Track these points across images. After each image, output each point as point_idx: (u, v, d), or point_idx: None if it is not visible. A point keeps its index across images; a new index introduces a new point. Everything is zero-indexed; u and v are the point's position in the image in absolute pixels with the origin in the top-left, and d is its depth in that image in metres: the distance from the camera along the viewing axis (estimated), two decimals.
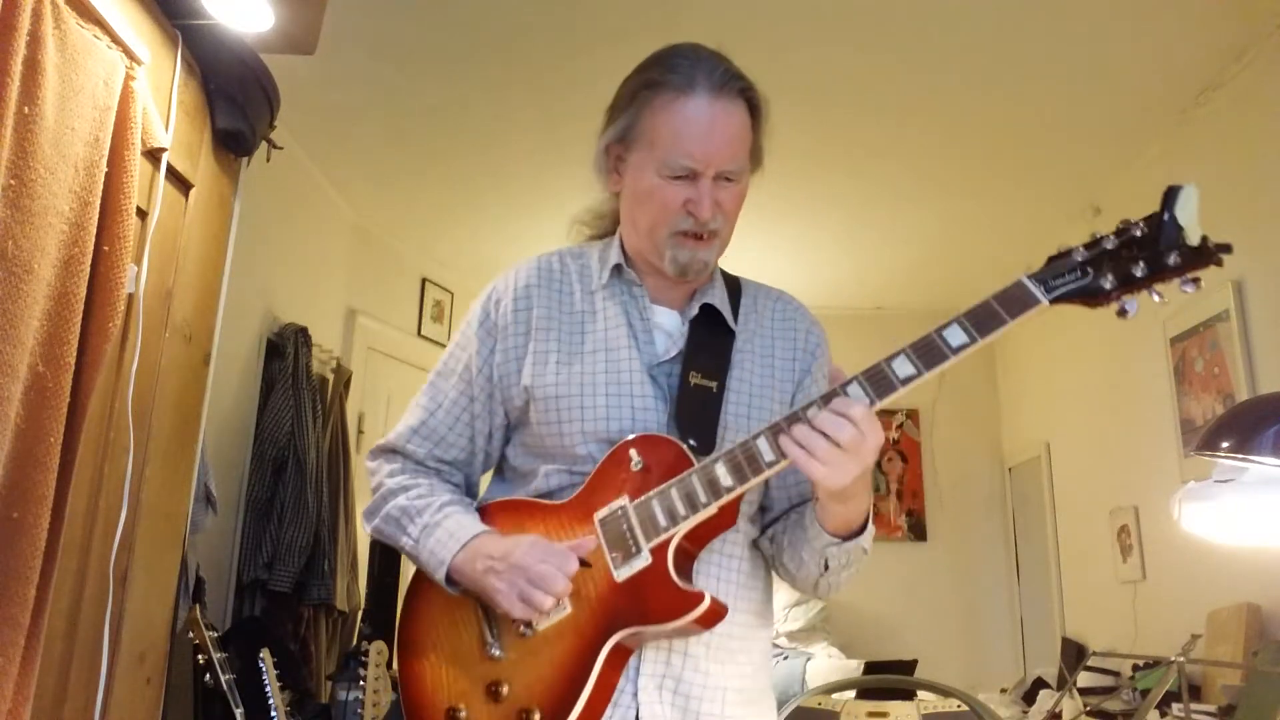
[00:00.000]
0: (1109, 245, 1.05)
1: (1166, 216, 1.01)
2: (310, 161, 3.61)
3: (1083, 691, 2.99)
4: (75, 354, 1.33)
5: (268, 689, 2.07)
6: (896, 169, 3.55)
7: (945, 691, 2.95)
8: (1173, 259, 1.00)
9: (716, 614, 1.13)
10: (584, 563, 1.15)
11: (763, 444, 1.11)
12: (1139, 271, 1.02)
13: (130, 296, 1.54)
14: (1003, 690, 3.95)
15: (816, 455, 1.05)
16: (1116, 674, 3.09)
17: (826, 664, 4.09)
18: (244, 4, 1.72)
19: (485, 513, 1.27)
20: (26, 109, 1.23)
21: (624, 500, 1.16)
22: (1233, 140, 2.84)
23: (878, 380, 1.08)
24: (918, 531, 5.00)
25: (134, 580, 1.59)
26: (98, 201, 1.39)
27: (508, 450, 1.33)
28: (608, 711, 1.14)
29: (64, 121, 1.31)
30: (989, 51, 2.81)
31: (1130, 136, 3.23)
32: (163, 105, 1.64)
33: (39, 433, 1.26)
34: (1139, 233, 1.03)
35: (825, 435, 1.05)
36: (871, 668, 3.79)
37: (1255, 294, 2.74)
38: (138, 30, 1.54)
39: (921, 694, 3.14)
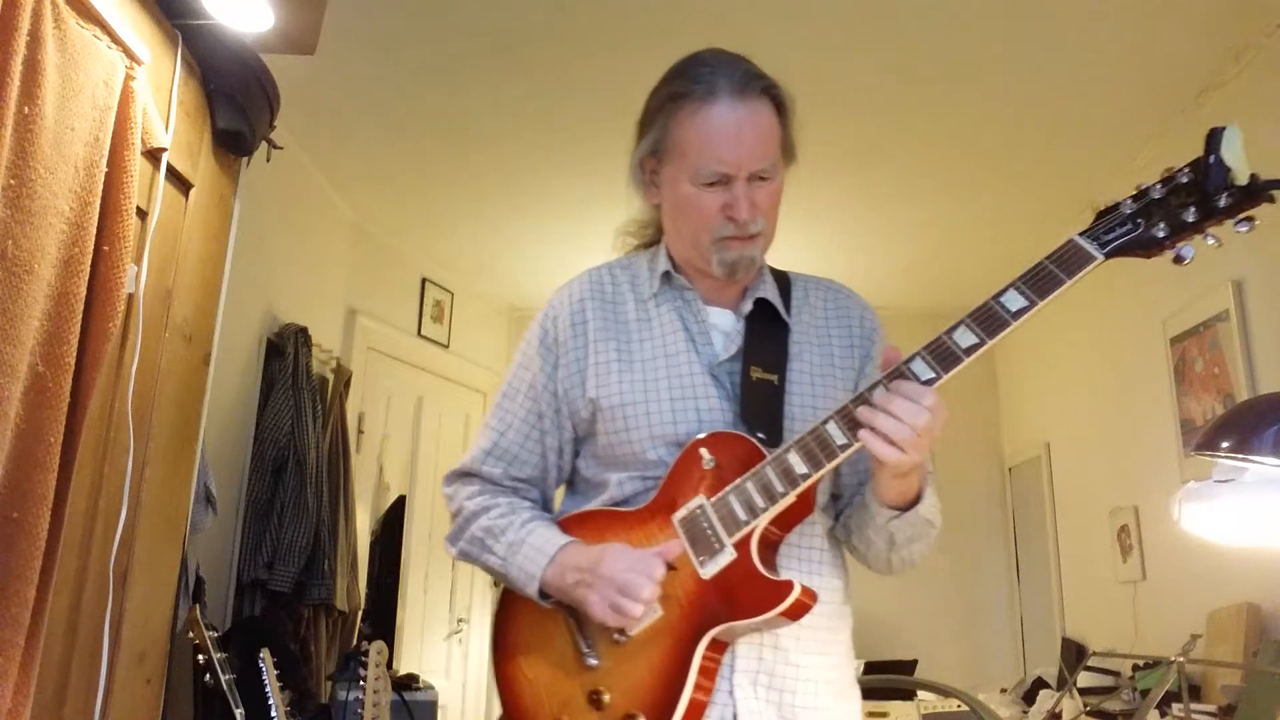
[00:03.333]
0: (1156, 194, 1.05)
1: (1212, 159, 1.01)
2: (310, 161, 3.61)
3: (1083, 691, 2.98)
4: (75, 354, 1.33)
5: (268, 689, 2.07)
6: (896, 169, 3.54)
7: (945, 691, 2.95)
8: (1223, 200, 1.00)
9: (806, 603, 1.13)
10: (670, 566, 1.15)
11: (833, 428, 1.11)
12: (1190, 217, 1.02)
13: (130, 296, 1.54)
14: (1003, 690, 3.95)
15: (893, 439, 1.06)
16: (1116, 674, 3.09)
17: None
18: (244, 4, 1.72)
19: (565, 526, 1.28)
20: (26, 109, 1.23)
21: (701, 499, 1.17)
22: None
23: (941, 353, 1.08)
24: None
25: (134, 580, 1.59)
26: (98, 201, 1.39)
27: (579, 463, 1.35)
28: (706, 711, 1.15)
29: (64, 121, 1.31)
30: (989, 51, 2.81)
31: (1130, 136, 3.23)
32: (163, 105, 1.64)
33: (39, 433, 1.26)
34: (1185, 179, 1.04)
35: (898, 419, 1.05)
36: (871, 668, 3.79)
37: (1255, 294, 2.74)
38: (138, 30, 1.54)
39: (921, 694, 3.14)
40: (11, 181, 1.21)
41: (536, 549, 1.23)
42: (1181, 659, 2.03)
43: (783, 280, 1.39)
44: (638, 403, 1.25)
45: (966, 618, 4.87)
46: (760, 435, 1.19)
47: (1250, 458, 1.64)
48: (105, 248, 1.41)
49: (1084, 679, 3.05)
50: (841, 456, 1.11)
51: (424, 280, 4.60)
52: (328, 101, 3.15)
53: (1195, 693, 2.58)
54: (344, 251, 4.04)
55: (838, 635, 1.28)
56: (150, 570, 1.66)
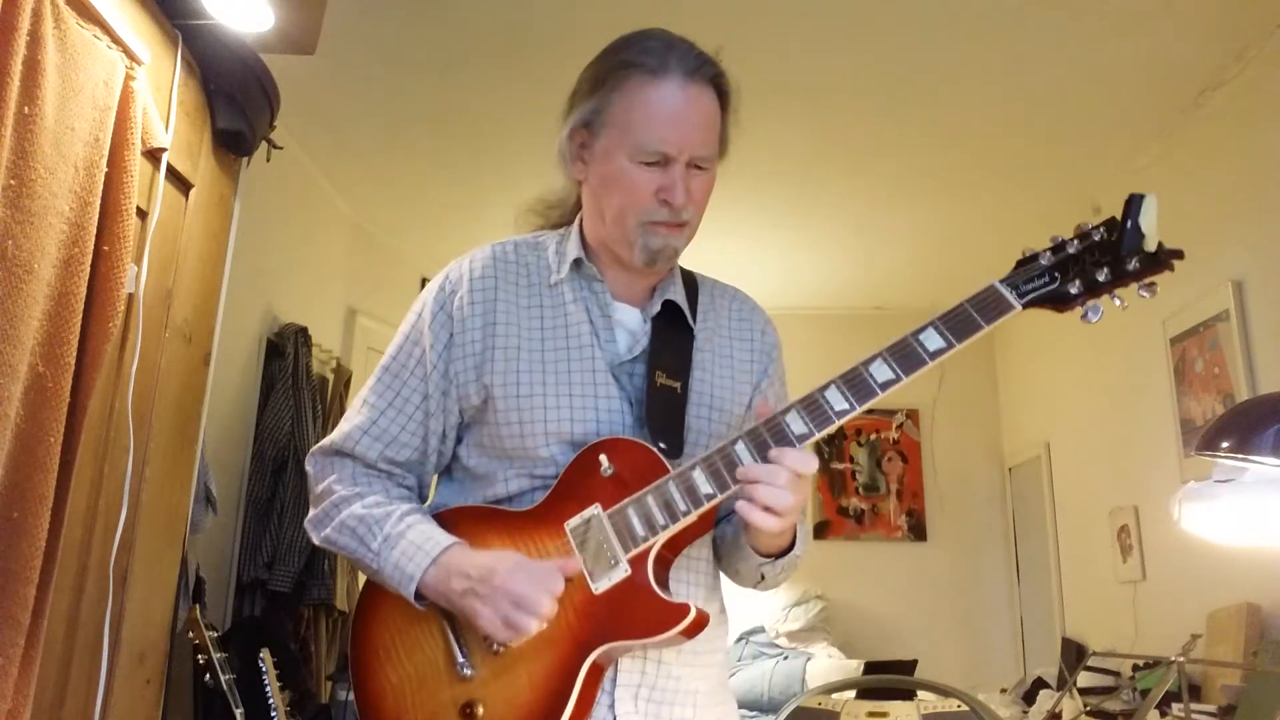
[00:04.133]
0: (1072, 250, 1.07)
1: (1130, 224, 1.04)
2: (310, 161, 3.61)
3: (1083, 691, 2.98)
4: (75, 354, 1.33)
5: (268, 689, 2.07)
6: (896, 169, 3.54)
7: (945, 691, 2.95)
8: (1133, 264, 1.03)
9: (700, 624, 1.09)
10: (568, 581, 1.09)
11: (741, 450, 1.07)
12: (1102, 276, 1.04)
13: (130, 296, 1.54)
14: (1003, 690, 3.95)
15: (774, 509, 1.03)
16: (1116, 674, 3.09)
17: (826, 664, 4.09)
18: (244, 4, 1.72)
19: (445, 520, 1.19)
20: (26, 109, 1.23)
21: (596, 509, 1.11)
22: (1232, 140, 2.84)
23: (857, 384, 1.07)
24: (918, 531, 5.00)
25: (134, 580, 1.59)
26: (98, 201, 1.39)
27: (459, 450, 1.25)
28: None
29: (64, 121, 1.31)
30: (989, 51, 2.81)
31: (1130, 136, 3.23)
32: (163, 105, 1.64)
33: (39, 433, 1.26)
34: (1099, 237, 1.06)
35: (786, 490, 1.03)
36: (871, 668, 3.79)
37: (1255, 294, 2.74)
38: (138, 30, 1.54)
39: (921, 694, 3.14)
40: (11, 181, 1.21)
41: (416, 546, 1.13)
42: (1181, 659, 2.03)
43: (690, 282, 1.33)
44: (535, 395, 1.17)
45: (966, 618, 4.87)
46: (661, 446, 1.13)
47: (1250, 458, 1.64)
48: (105, 248, 1.41)
49: (1084, 679, 3.05)
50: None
51: (424, 280, 4.59)
52: (328, 101, 3.15)
53: (1195, 693, 2.58)
54: (344, 251, 4.04)
55: (716, 644, 1.24)
56: (150, 570, 1.66)
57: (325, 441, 1.26)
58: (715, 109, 1.20)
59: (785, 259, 4.36)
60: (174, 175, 1.70)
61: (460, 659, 1.13)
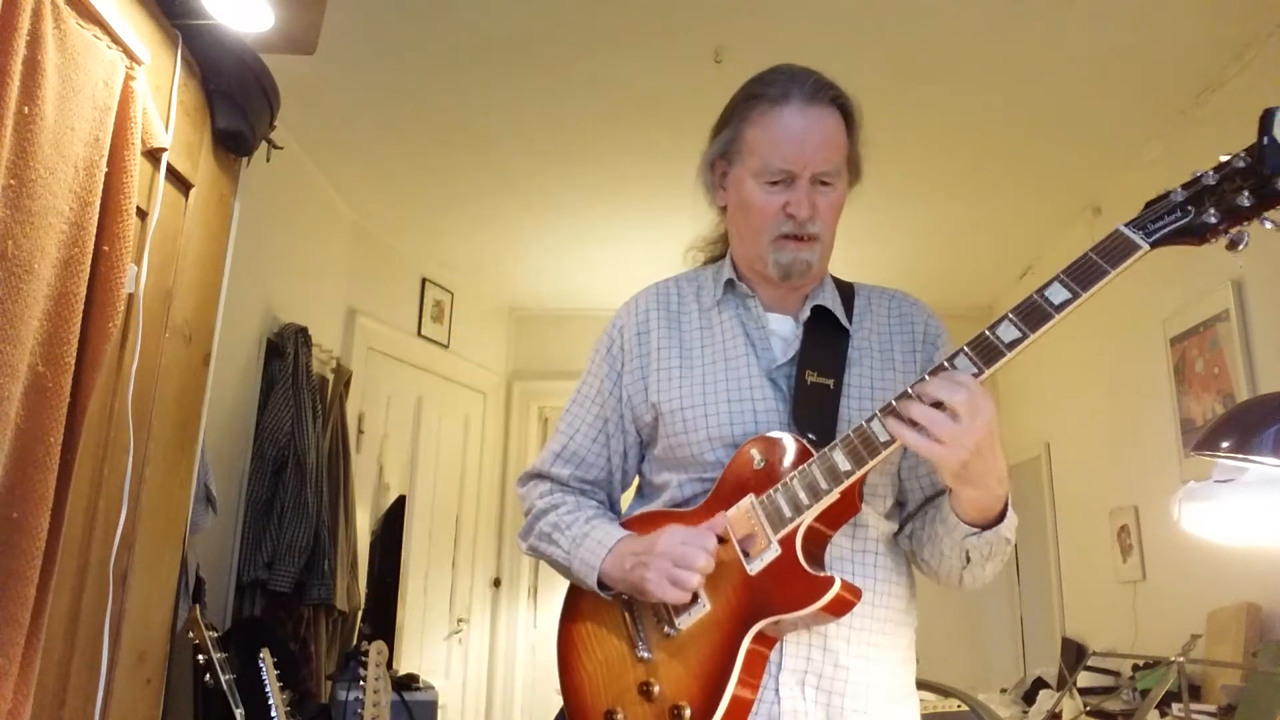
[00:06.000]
0: (1209, 181, 1.03)
1: (1266, 140, 0.98)
2: (310, 161, 3.61)
3: (1083, 691, 2.98)
4: (75, 354, 1.33)
5: (268, 689, 2.07)
6: (896, 169, 3.54)
7: (945, 691, 2.95)
8: None
9: (848, 598, 1.14)
10: (720, 539, 1.18)
11: (876, 425, 1.13)
12: (1245, 201, 0.99)
13: (130, 296, 1.54)
14: (1003, 690, 3.95)
15: (928, 432, 1.05)
16: (1116, 674, 3.09)
17: None
18: (244, 4, 1.72)
19: (626, 525, 1.34)
20: (26, 109, 1.23)
21: (750, 497, 1.20)
22: (1232, 140, 2.82)
23: (984, 348, 1.10)
24: None
25: (134, 580, 1.59)
26: (98, 201, 1.39)
27: (644, 467, 1.41)
28: (753, 708, 1.17)
29: (64, 121, 1.31)
30: (988, 51, 2.81)
31: (1130, 137, 3.23)
32: (163, 105, 1.64)
33: (39, 433, 1.26)
34: (1242, 164, 1.01)
35: (933, 408, 1.06)
36: None
37: (1255, 294, 2.74)
38: (138, 30, 1.54)
39: (921, 694, 3.13)
40: (11, 181, 1.21)
41: (598, 542, 1.28)
42: (1181, 659, 2.03)
43: (846, 289, 1.42)
44: (696, 405, 1.29)
45: (966, 618, 4.87)
46: (811, 436, 1.21)
47: (1250, 458, 1.64)
48: (105, 248, 1.41)
49: (1084, 679, 3.05)
50: (884, 452, 1.11)
51: (424, 280, 4.61)
52: (328, 101, 3.15)
53: (1195, 693, 2.58)
54: (344, 251, 4.04)
55: (896, 641, 1.29)
56: (150, 570, 1.66)
57: (528, 467, 1.47)
58: (838, 127, 1.33)
59: None
60: (174, 175, 1.70)
61: (639, 643, 1.25)
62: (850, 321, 1.36)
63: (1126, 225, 1.05)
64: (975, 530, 1.16)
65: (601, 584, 1.26)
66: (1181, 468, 3.02)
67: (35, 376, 1.25)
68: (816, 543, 1.20)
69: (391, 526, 4.17)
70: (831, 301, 1.36)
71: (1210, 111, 2.94)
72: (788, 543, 1.16)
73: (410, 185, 3.84)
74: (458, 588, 4.71)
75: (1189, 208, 1.03)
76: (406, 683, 3.34)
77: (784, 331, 1.35)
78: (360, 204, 4.01)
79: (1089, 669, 3.07)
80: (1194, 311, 2.99)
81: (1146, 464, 3.32)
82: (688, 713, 1.16)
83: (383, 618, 3.99)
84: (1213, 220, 1.01)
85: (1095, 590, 3.78)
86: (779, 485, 1.18)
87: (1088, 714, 2.86)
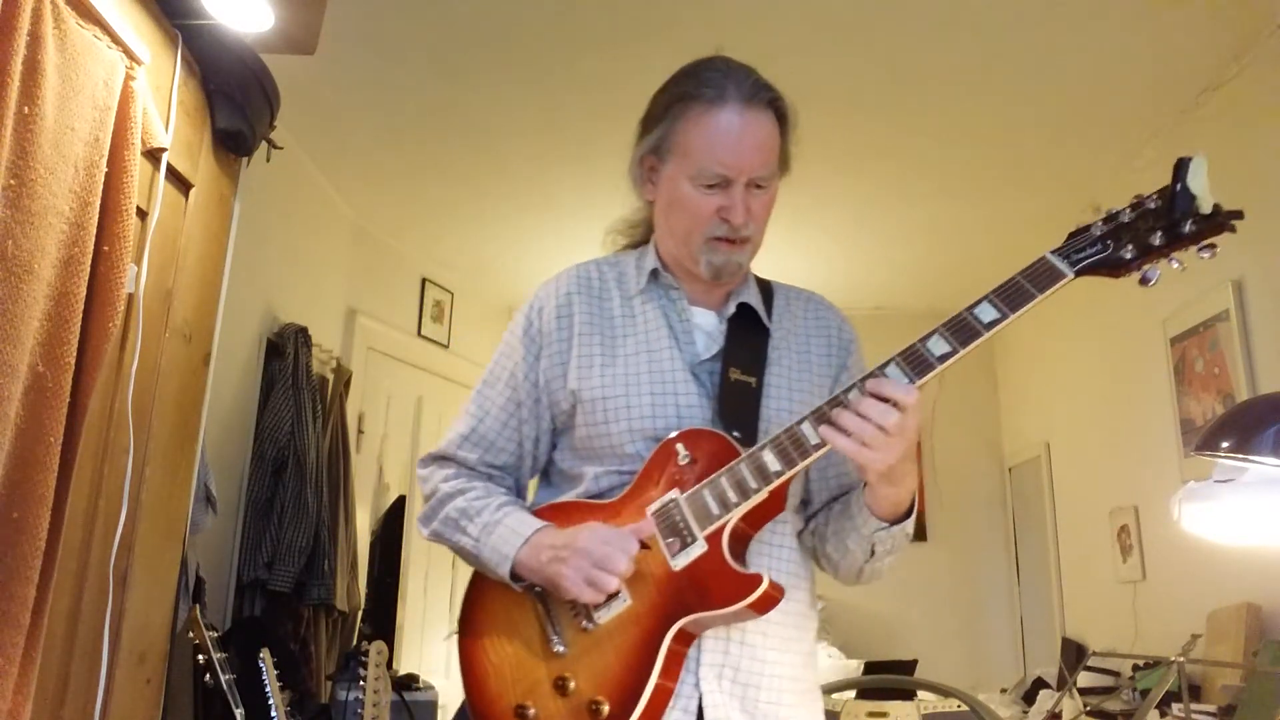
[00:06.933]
0: (1125, 218, 1.09)
1: (1179, 187, 1.05)
2: (310, 161, 3.61)
3: (1083, 691, 2.98)
4: (75, 354, 1.33)
5: (268, 689, 2.07)
6: (895, 169, 3.54)
7: (945, 691, 2.95)
8: (1188, 227, 1.04)
9: (774, 595, 1.15)
10: (643, 544, 1.17)
11: (807, 429, 1.14)
12: (1157, 240, 1.05)
13: (130, 296, 1.54)
14: (1003, 690, 3.95)
15: (863, 441, 1.08)
16: (1116, 674, 3.09)
17: (826, 664, 4.09)
18: (244, 4, 1.72)
19: (539, 514, 1.30)
20: (26, 109, 1.23)
21: (675, 493, 1.19)
22: (1232, 140, 2.84)
23: (915, 359, 1.11)
24: (918, 532, 4.87)
25: (134, 580, 1.59)
26: (98, 201, 1.39)
27: (555, 455, 1.37)
28: (671, 702, 1.17)
29: (64, 121, 1.31)
30: (988, 51, 2.81)
31: (1130, 137, 3.23)
32: (163, 105, 1.64)
33: (39, 433, 1.25)
34: (1153, 205, 1.07)
35: (868, 419, 1.08)
36: (871, 668, 3.79)
37: (1255, 294, 2.74)
38: (138, 30, 1.54)
39: (921, 694, 3.14)
40: (11, 181, 1.21)
41: (511, 530, 1.24)
42: (1181, 659, 2.03)
43: (766, 288, 1.42)
44: (618, 396, 1.27)
45: (966, 618, 4.87)
46: (736, 434, 1.21)
47: (1250, 458, 1.64)
48: (105, 248, 1.41)
49: (1084, 679, 3.05)
50: (815, 455, 1.14)
51: (424, 280, 4.61)
52: (328, 101, 3.15)
53: (1195, 693, 2.58)
54: (344, 251, 4.04)
55: (804, 635, 1.30)
56: (150, 570, 1.66)
57: (432, 449, 1.40)
58: (773, 130, 1.31)
59: (784, 260, 4.36)
60: (174, 175, 1.70)
61: (552, 636, 1.21)
62: (770, 320, 1.37)
63: (1053, 253, 1.11)
64: (884, 525, 1.21)
65: (514, 575, 1.23)
66: (1181, 468, 3.02)
67: (35, 376, 1.25)
68: (740, 540, 1.20)
69: (391, 526, 4.17)
70: (754, 299, 1.36)
71: (1209, 112, 2.94)
72: (714, 539, 1.16)
73: (410, 185, 3.84)
74: (457, 588, 4.71)
75: (1108, 242, 1.09)
76: (406, 683, 3.34)
77: (708, 326, 1.34)
78: (360, 204, 4.01)
79: (1089, 669, 3.07)
80: (1194, 311, 2.99)
81: (1146, 464, 3.32)
82: (606, 708, 1.14)
83: (383, 618, 3.99)
84: (1128, 256, 1.08)
85: (1095, 590, 3.78)
86: (706, 482, 1.18)
87: (1088, 714, 2.86)
